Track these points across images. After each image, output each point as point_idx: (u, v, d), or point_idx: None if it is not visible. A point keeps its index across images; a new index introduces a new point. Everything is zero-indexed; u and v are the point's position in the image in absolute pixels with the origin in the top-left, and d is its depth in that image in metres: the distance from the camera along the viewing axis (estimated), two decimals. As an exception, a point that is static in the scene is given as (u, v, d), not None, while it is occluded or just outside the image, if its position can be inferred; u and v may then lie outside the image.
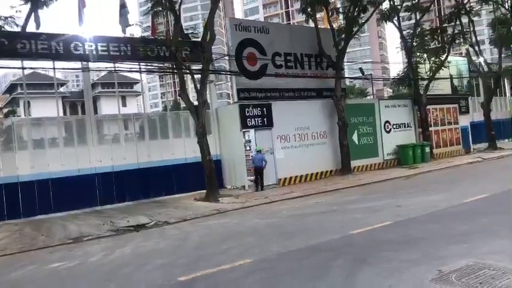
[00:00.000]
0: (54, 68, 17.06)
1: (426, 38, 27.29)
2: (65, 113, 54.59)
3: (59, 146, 16.77)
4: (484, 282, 5.51)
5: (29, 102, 32.82)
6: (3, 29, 14.72)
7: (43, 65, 17.44)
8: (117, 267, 8.23)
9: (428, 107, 26.03)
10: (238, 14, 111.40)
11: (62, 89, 62.56)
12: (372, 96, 47.95)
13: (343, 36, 22.30)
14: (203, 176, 17.09)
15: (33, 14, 14.72)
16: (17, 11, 14.54)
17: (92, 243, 10.96)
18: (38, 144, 16.47)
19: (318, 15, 23.07)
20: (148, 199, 17.65)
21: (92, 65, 17.63)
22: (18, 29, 14.79)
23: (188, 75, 17.79)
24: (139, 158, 17.93)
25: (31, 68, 18.38)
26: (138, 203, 17.20)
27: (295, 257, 7.75)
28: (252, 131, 18.93)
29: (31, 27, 15.11)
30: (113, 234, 11.84)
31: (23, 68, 16.44)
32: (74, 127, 17.33)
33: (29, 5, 14.43)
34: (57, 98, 19.71)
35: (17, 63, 16.17)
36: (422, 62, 26.93)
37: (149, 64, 19.55)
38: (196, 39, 18.88)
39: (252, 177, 18.56)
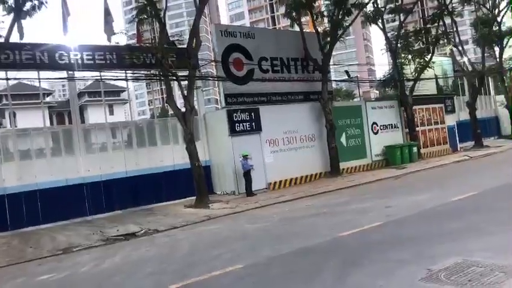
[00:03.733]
0: (39, 78, 16.91)
1: (410, 39, 27.59)
2: (51, 123, 54.13)
3: (46, 156, 16.60)
4: (472, 280, 5.57)
5: (14, 113, 32.53)
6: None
7: (28, 76, 17.28)
8: (108, 277, 8.16)
9: (414, 107, 26.27)
10: (224, 20, 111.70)
11: (48, 99, 62.05)
12: (358, 98, 48.26)
13: (329, 39, 22.44)
14: (192, 183, 17.05)
15: (16, 24, 14.62)
16: (-1, 22, 14.46)
17: (81, 254, 10.86)
18: (25, 155, 16.27)
19: (303, 19, 23.21)
20: (138, 207, 17.50)
21: (77, 74, 17.53)
22: (1, 40, 14.66)
23: (175, 81, 17.76)
24: (127, 166, 17.81)
25: (16, 79, 18.22)
26: (127, 211, 17.06)
27: (286, 261, 7.76)
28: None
29: (15, 38, 15.00)
30: (103, 244, 11.74)
31: (7, 79, 16.28)
32: (60, 137, 17.15)
33: (12, 16, 14.32)
34: (43, 108, 19.55)
35: (1, 74, 15.99)
36: (407, 63, 27.19)
37: (136, 72, 19.45)
38: (182, 46, 18.86)
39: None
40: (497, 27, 32.10)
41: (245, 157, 18.02)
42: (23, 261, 10.64)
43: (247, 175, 18.02)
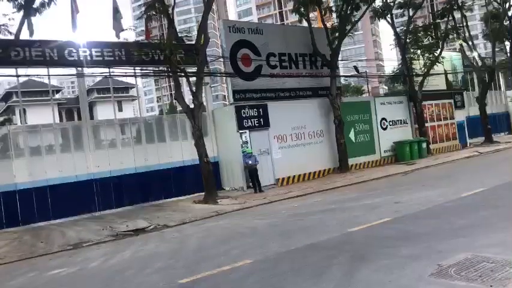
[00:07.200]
0: (48, 75, 17.05)
1: (420, 34, 27.39)
2: (61, 119, 54.59)
3: (55, 152, 16.73)
4: (483, 275, 5.54)
5: (24, 109, 32.79)
6: (-4, 37, 14.69)
7: (38, 72, 17.39)
8: (118, 272, 8.22)
9: (423, 103, 26.10)
10: (232, 16, 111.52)
11: (57, 96, 62.51)
12: (367, 94, 48.04)
13: (337, 34, 22.33)
14: (201, 178, 17.10)
15: (26, 21, 14.69)
16: (9, 19, 14.53)
17: (91, 249, 10.95)
18: (35, 151, 16.42)
19: (311, 15, 23.10)
20: (147, 203, 17.63)
21: (86, 70, 17.61)
22: (11, 37, 14.74)
23: (183, 78, 17.79)
24: (136, 162, 17.90)
25: (26, 76, 18.31)
26: (136, 207, 17.18)
27: (295, 257, 7.76)
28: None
29: (24, 35, 15.08)
30: (113, 239, 11.83)
31: (18, 76, 16.39)
32: (70, 133, 17.28)
33: (21, 13, 14.39)
34: (53, 105, 19.69)
35: (11, 71, 16.10)
36: (416, 58, 27.00)
37: (144, 68, 19.52)
38: (191, 42, 18.88)
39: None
40: (508, 22, 31.72)
41: (249, 153, 18.04)
42: (34, 256, 10.77)
43: (252, 171, 18.02)
